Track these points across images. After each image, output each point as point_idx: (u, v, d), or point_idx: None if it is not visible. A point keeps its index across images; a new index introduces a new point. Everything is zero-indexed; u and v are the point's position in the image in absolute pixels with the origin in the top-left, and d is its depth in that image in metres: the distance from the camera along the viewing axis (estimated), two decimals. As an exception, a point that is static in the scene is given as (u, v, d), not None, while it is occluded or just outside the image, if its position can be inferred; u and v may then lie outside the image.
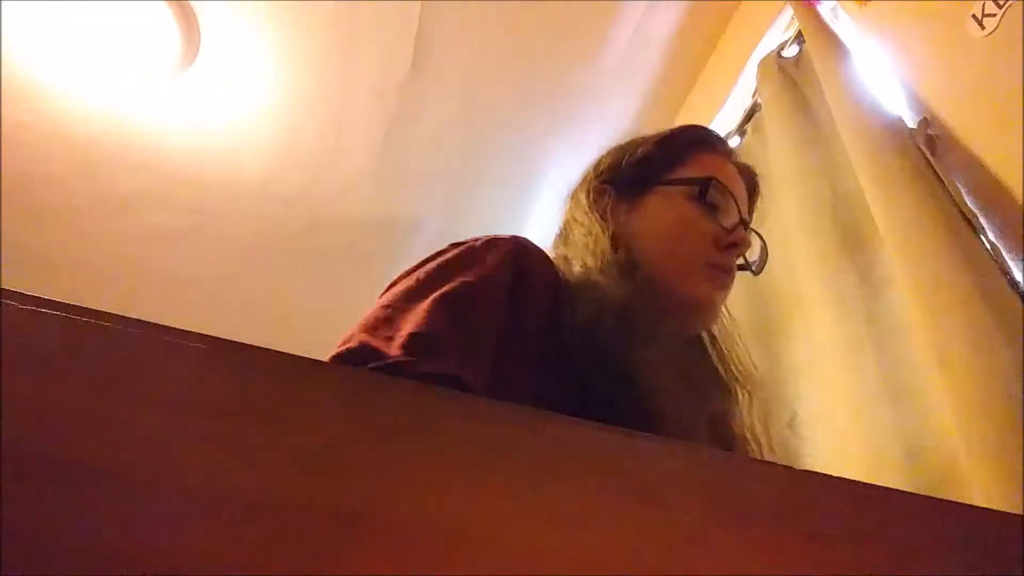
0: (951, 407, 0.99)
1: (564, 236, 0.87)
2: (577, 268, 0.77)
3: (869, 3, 1.53)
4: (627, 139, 0.92)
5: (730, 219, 0.83)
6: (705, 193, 0.81)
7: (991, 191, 1.19)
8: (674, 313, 0.78)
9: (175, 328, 0.37)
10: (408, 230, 2.59)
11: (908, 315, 1.16)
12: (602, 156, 0.92)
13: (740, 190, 0.88)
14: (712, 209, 0.82)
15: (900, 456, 1.09)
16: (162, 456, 0.32)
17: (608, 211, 0.83)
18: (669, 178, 0.84)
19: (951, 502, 0.46)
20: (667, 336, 0.74)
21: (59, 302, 0.36)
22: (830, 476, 0.44)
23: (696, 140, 0.89)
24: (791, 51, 1.75)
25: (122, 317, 0.37)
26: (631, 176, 0.86)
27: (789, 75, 1.72)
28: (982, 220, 1.16)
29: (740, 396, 0.85)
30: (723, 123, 2.05)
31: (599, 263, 0.76)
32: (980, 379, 0.95)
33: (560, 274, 0.77)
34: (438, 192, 2.52)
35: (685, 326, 0.82)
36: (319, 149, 2.36)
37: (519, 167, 2.47)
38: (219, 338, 0.38)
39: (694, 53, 2.24)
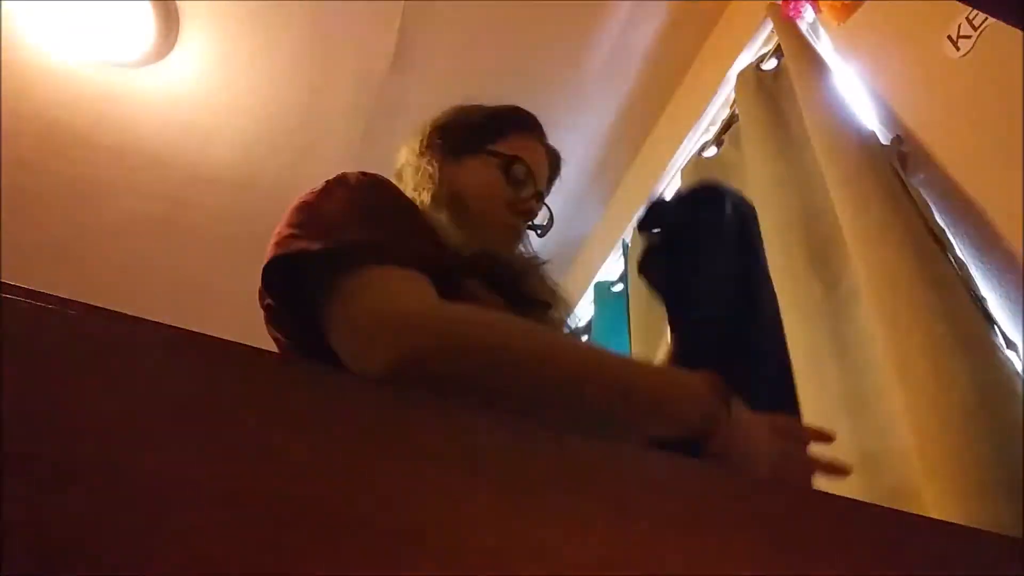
0: (909, 420, 1.01)
1: (398, 176, 1.07)
2: (425, 198, 0.98)
3: (848, 21, 1.55)
4: (465, 104, 1.10)
5: (526, 191, 1.02)
6: (509, 168, 1.01)
7: (960, 207, 1.21)
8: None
9: (141, 318, 0.37)
10: (383, 227, 2.57)
11: (871, 328, 1.17)
12: (442, 113, 1.09)
13: (543, 169, 1.08)
14: (516, 182, 1.02)
15: (858, 467, 1.10)
16: (119, 447, 0.32)
17: (436, 161, 1.02)
18: (488, 148, 1.03)
19: (910, 514, 0.47)
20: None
21: (22, 287, 0.35)
22: (792, 486, 0.45)
23: (518, 121, 1.08)
24: (769, 64, 1.77)
25: (88, 305, 0.36)
26: (460, 138, 1.04)
27: (767, 88, 1.74)
28: (950, 236, 1.18)
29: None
30: (700, 132, 2.07)
31: (431, 199, 0.97)
32: (940, 393, 0.97)
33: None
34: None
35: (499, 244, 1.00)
36: (296, 143, 2.34)
37: (497, 169, 2.47)
38: (186, 329, 0.37)
39: (675, 63, 2.25)
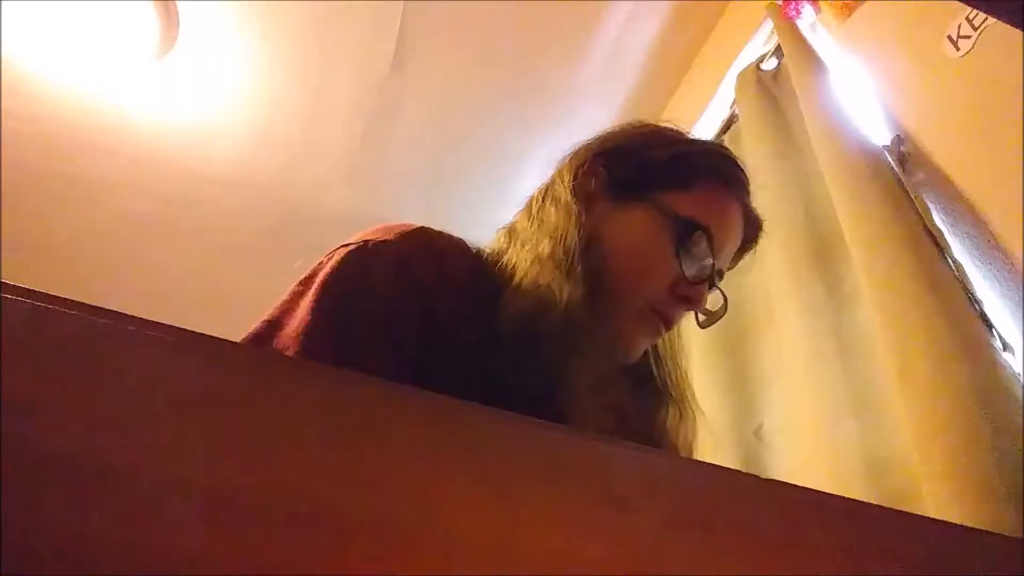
0: (911, 422, 1.01)
1: (538, 203, 0.82)
2: (542, 248, 0.74)
3: (847, 21, 1.55)
4: (647, 128, 0.85)
5: (697, 272, 0.77)
6: (684, 237, 0.76)
7: (960, 208, 1.21)
8: (600, 339, 0.73)
9: (142, 318, 0.37)
10: (383, 228, 2.57)
11: (873, 329, 1.18)
12: (613, 133, 0.85)
13: (733, 238, 0.82)
14: (685, 252, 0.76)
15: (860, 468, 1.10)
16: (123, 448, 0.32)
17: (590, 199, 0.78)
18: (663, 201, 0.77)
19: (910, 514, 0.47)
20: (591, 352, 0.71)
21: (22, 287, 0.35)
22: (794, 486, 0.45)
23: (713, 170, 0.81)
24: (770, 64, 1.77)
25: (88, 305, 0.36)
26: (629, 172, 0.79)
27: (767, 88, 1.74)
28: (949, 237, 1.18)
29: (672, 411, 0.84)
30: (700, 133, 2.07)
31: (562, 252, 0.73)
32: (939, 395, 0.97)
33: (482, 253, 0.78)
34: (414, 192, 2.51)
35: (604, 352, 0.76)
36: (295, 144, 2.34)
37: (496, 169, 2.47)
38: (186, 330, 0.37)
39: (674, 62, 2.25)
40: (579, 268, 0.71)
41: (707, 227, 0.77)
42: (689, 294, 0.77)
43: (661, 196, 0.77)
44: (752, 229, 0.86)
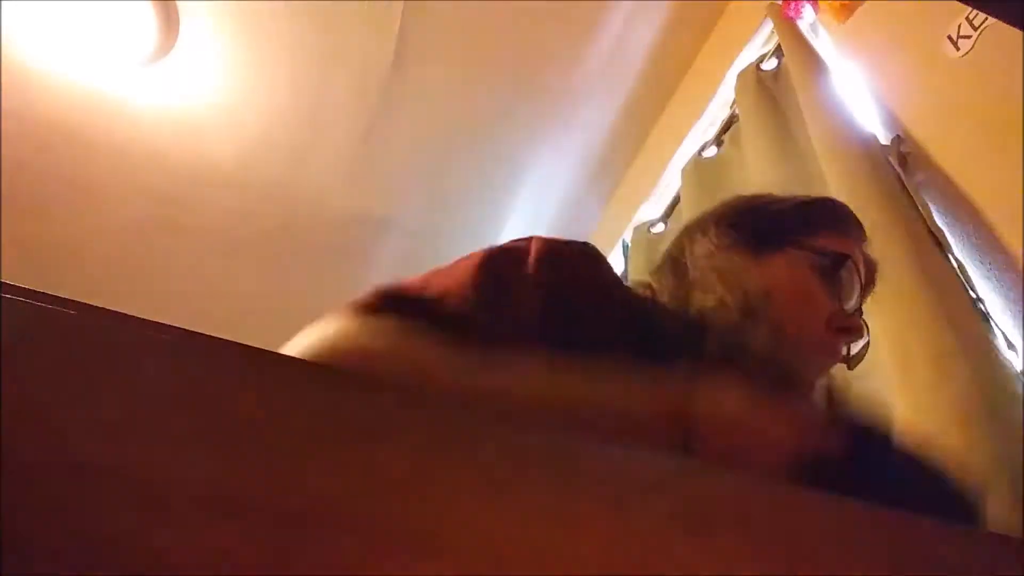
0: (910, 421, 1.01)
1: (678, 269, 0.82)
2: (709, 302, 0.74)
3: (848, 21, 1.55)
4: (756, 195, 0.88)
5: (850, 303, 0.78)
6: (832, 269, 0.76)
7: (960, 208, 1.21)
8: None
9: (142, 318, 0.37)
10: (384, 228, 2.57)
11: (873, 329, 1.17)
12: (723, 205, 0.87)
13: (859, 278, 0.83)
14: (837, 283, 0.77)
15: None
16: (123, 448, 0.32)
17: (736, 255, 0.78)
18: (802, 241, 0.78)
19: (910, 514, 0.47)
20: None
21: (22, 287, 0.35)
22: (792, 485, 0.44)
23: (832, 218, 0.84)
24: (770, 64, 1.77)
25: (88, 305, 0.36)
26: (761, 229, 0.80)
27: (767, 88, 1.74)
28: (949, 237, 1.18)
29: None
30: (701, 133, 2.07)
31: (736, 301, 0.73)
32: (941, 393, 0.97)
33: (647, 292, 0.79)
34: (416, 191, 2.51)
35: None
36: (296, 144, 2.34)
37: (498, 168, 2.47)
38: (186, 329, 0.37)
39: (675, 62, 2.25)
40: (756, 310, 0.73)
41: (852, 258, 0.78)
42: (848, 324, 0.77)
43: (798, 240, 0.78)
44: (871, 272, 0.85)
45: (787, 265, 0.77)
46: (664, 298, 0.78)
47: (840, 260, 0.77)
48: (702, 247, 0.81)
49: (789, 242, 0.78)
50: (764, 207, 0.84)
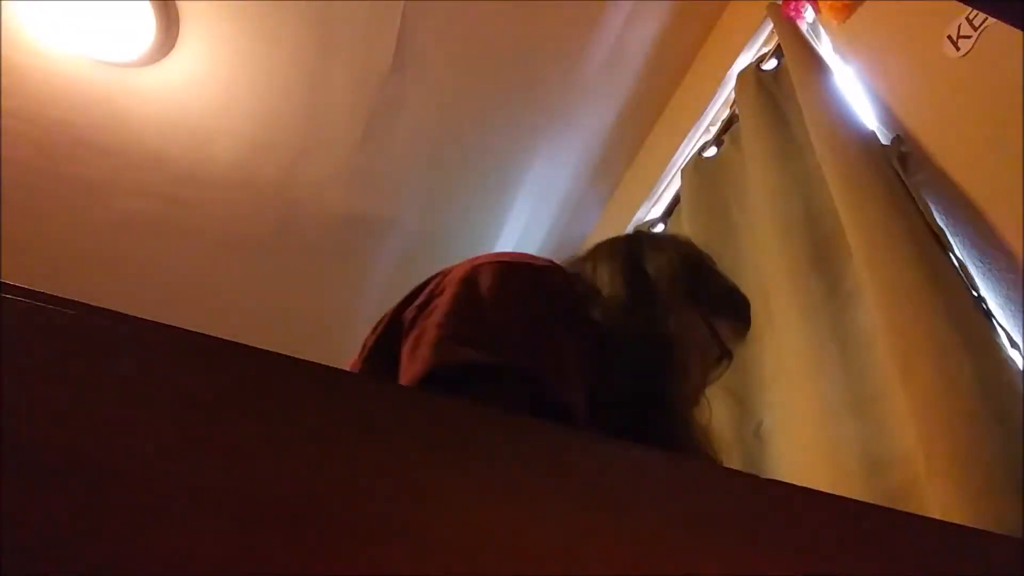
0: (913, 421, 1.01)
1: (635, 265, 0.97)
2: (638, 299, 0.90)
3: (848, 21, 1.55)
4: (704, 255, 1.05)
5: (703, 380, 0.97)
6: (719, 357, 0.96)
7: (960, 208, 1.21)
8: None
9: (141, 318, 0.37)
10: (383, 229, 2.57)
11: (874, 328, 1.17)
12: (684, 243, 1.05)
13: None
14: (708, 371, 0.97)
15: (861, 468, 1.10)
16: (123, 448, 0.32)
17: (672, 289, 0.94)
18: (713, 322, 0.95)
19: (910, 514, 0.47)
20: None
21: (22, 287, 0.35)
22: (794, 486, 0.44)
23: (744, 315, 1.02)
24: (770, 64, 1.77)
25: (88, 305, 0.36)
26: (698, 289, 0.96)
27: (767, 88, 1.74)
28: (950, 236, 1.18)
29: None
30: (701, 133, 2.07)
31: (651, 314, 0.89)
32: (942, 394, 0.97)
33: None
34: (415, 191, 2.51)
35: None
36: (295, 144, 2.34)
37: (497, 168, 2.47)
38: (186, 329, 0.37)
39: (675, 62, 2.25)
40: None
41: (731, 357, 0.97)
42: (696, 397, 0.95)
43: (712, 319, 0.95)
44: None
45: (695, 326, 0.94)
46: (604, 278, 0.93)
47: (726, 355, 0.96)
48: (657, 264, 0.97)
49: (705, 312, 0.95)
50: (707, 275, 1.02)
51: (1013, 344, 1.06)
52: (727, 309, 1.00)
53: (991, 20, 1.19)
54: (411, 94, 2.24)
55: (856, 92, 1.49)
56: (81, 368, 0.35)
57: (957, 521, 0.85)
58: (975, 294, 1.10)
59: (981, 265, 1.15)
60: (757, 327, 1.51)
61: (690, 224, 1.85)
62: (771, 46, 1.79)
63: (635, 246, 1.00)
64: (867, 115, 1.44)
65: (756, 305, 1.54)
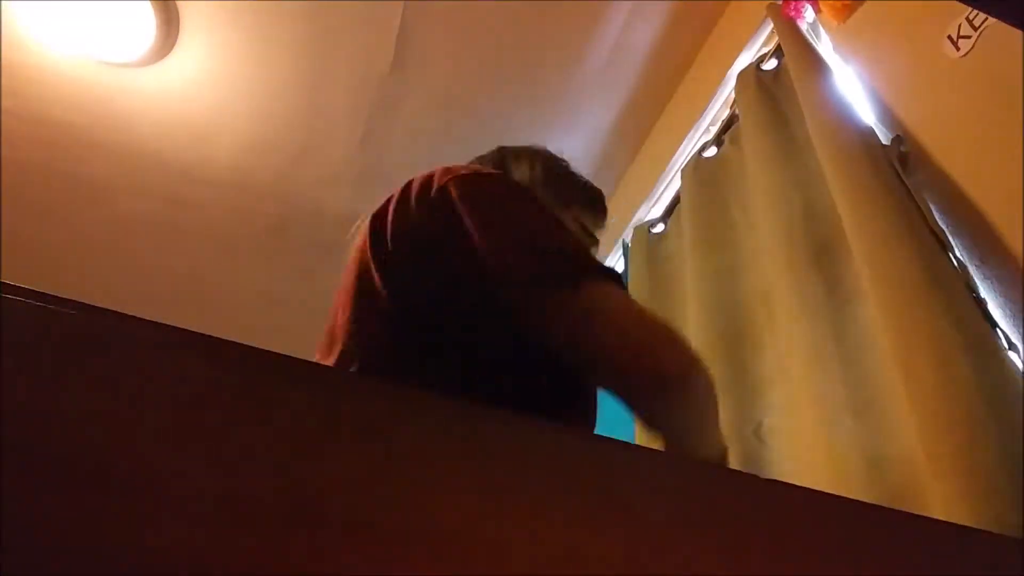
0: (914, 420, 1.01)
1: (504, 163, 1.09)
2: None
3: (848, 21, 1.55)
4: (560, 158, 1.13)
5: None
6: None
7: (960, 208, 1.21)
8: None
9: (142, 318, 0.37)
10: (383, 228, 2.57)
11: (874, 328, 1.17)
12: (543, 153, 1.12)
13: None
14: None
15: (862, 467, 1.10)
16: (123, 448, 0.32)
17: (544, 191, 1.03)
18: (582, 218, 1.06)
19: (911, 514, 0.47)
20: None
21: (23, 287, 0.35)
22: (794, 486, 0.44)
23: (602, 208, 1.12)
24: (770, 64, 1.77)
25: (88, 305, 0.36)
26: (565, 190, 1.07)
27: (767, 88, 1.74)
28: (950, 237, 1.18)
29: None
30: (701, 133, 2.07)
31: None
32: (943, 394, 0.97)
33: None
34: (415, 191, 2.51)
35: None
36: (295, 144, 2.34)
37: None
38: (186, 329, 0.37)
39: (674, 62, 2.25)
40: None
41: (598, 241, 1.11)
42: None
43: (580, 216, 1.06)
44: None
45: (569, 222, 1.02)
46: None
47: (595, 243, 1.09)
48: (521, 173, 1.07)
49: (572, 208, 1.05)
50: (568, 175, 1.11)
51: (1011, 345, 1.06)
52: (589, 203, 1.10)
53: (991, 20, 1.19)
54: (411, 94, 2.24)
55: (856, 92, 1.49)
56: (81, 368, 0.35)
57: (957, 521, 0.85)
58: (975, 295, 1.10)
59: (980, 265, 1.15)
60: (757, 327, 1.52)
61: (690, 224, 1.85)
62: (771, 46, 1.79)
63: (501, 160, 1.10)
64: (867, 115, 1.43)
65: (756, 305, 1.54)
